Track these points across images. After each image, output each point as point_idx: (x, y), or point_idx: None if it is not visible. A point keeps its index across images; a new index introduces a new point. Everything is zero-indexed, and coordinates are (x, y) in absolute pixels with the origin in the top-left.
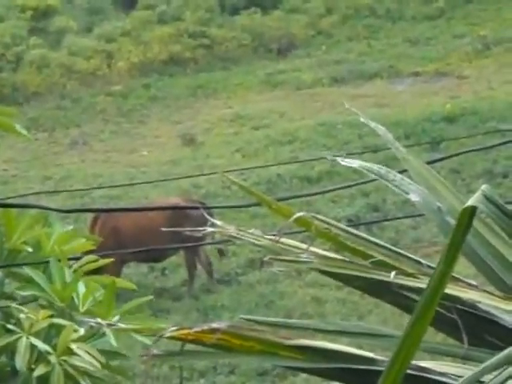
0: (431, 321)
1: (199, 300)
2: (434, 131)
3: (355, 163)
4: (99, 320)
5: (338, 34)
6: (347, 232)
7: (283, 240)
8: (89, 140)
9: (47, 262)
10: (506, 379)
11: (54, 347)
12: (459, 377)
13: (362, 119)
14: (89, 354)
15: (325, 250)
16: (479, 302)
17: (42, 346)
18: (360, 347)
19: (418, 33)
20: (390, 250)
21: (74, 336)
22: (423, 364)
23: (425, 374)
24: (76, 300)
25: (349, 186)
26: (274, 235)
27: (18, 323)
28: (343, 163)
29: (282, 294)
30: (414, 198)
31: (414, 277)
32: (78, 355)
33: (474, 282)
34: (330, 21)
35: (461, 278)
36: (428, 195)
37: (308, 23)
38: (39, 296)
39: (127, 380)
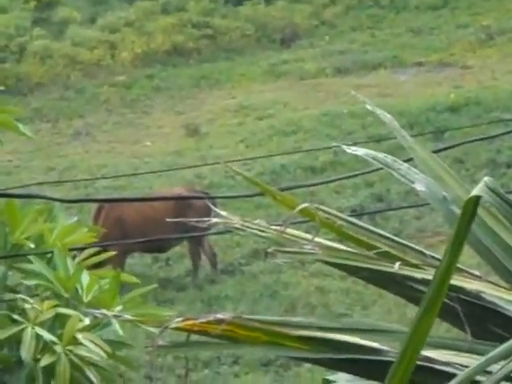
0: None
1: (203, 290)
2: (438, 121)
3: (361, 151)
4: (105, 311)
5: (341, 24)
6: (351, 223)
7: (288, 230)
8: (92, 131)
9: (51, 252)
10: None
11: (60, 337)
12: (464, 366)
13: (368, 107)
14: (94, 343)
15: (329, 240)
16: (483, 293)
17: (47, 335)
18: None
19: (421, 23)
20: (393, 240)
21: (80, 326)
22: (428, 354)
23: (430, 364)
24: (80, 290)
25: (353, 176)
26: (278, 225)
27: (23, 314)
28: (349, 151)
29: (285, 284)
30: (419, 187)
31: (418, 267)
32: (83, 345)
33: (477, 273)
34: (334, 11)
35: (465, 268)
36: (433, 184)
37: (311, 13)
38: (44, 286)
39: (132, 370)
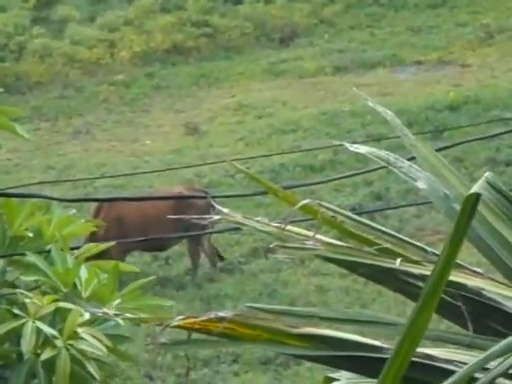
0: (436, 308)
1: (202, 289)
2: (437, 120)
3: (363, 149)
4: (106, 310)
5: (340, 23)
6: (352, 219)
7: (289, 227)
8: (92, 129)
9: (48, 252)
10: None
11: (60, 332)
12: (464, 363)
13: (370, 104)
14: (95, 338)
15: (330, 237)
16: (484, 289)
17: (48, 330)
18: (363, 336)
19: (420, 21)
20: (394, 237)
21: (80, 320)
22: (427, 351)
23: (429, 362)
24: (78, 285)
25: (352, 175)
26: (279, 223)
27: (24, 308)
28: (351, 149)
29: (285, 282)
30: (421, 185)
31: (420, 264)
32: (84, 339)
33: (478, 270)
34: (333, 9)
35: (465, 265)
36: (435, 182)
37: (311, 12)
38: (42, 281)
39: (132, 364)
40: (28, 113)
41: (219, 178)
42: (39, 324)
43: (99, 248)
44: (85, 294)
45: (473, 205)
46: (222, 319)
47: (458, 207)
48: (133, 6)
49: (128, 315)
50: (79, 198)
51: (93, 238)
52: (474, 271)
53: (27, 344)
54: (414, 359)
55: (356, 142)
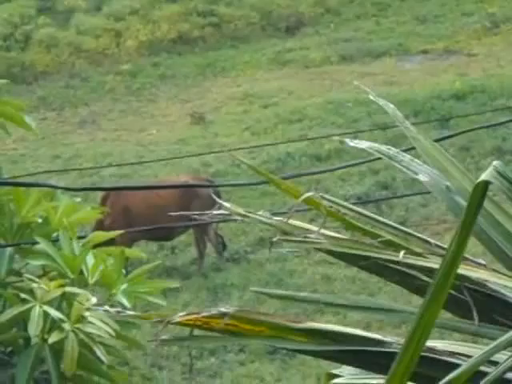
0: None
1: (208, 278)
2: (443, 109)
3: (364, 144)
4: (107, 307)
5: (346, 12)
6: (355, 211)
7: (290, 221)
8: (98, 119)
9: (56, 240)
10: None
11: (68, 316)
12: (467, 356)
13: (371, 97)
14: (102, 321)
15: (333, 229)
16: (488, 281)
17: (55, 314)
18: (369, 325)
19: (426, 10)
20: (398, 229)
21: (87, 304)
22: (430, 344)
23: (432, 355)
24: (85, 272)
25: (358, 164)
26: (283, 214)
27: (31, 293)
28: (352, 144)
29: (291, 272)
30: (422, 177)
31: (423, 256)
32: (91, 323)
33: (482, 261)
34: None
35: (469, 257)
36: (437, 174)
37: (316, 1)
38: (50, 266)
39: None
40: (34, 103)
41: (225, 168)
42: (46, 308)
43: (106, 236)
44: (91, 280)
45: (482, 193)
46: (224, 315)
47: (460, 200)
48: None
49: (129, 312)
50: (85, 188)
51: (99, 227)
52: (478, 263)
53: (34, 328)
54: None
55: (361, 131)
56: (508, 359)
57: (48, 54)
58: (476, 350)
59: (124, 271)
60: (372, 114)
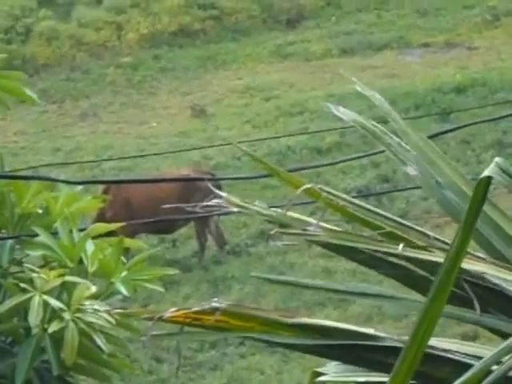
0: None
1: (209, 271)
2: (444, 102)
3: (348, 116)
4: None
5: (347, 5)
6: (354, 204)
7: (289, 213)
8: (99, 112)
9: (57, 233)
10: None
11: (68, 305)
12: (465, 354)
13: (357, 87)
14: (103, 310)
15: (333, 223)
16: (487, 274)
17: (55, 303)
18: (370, 318)
19: (427, 3)
20: (397, 222)
21: (87, 293)
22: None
23: (430, 351)
24: (85, 260)
25: (359, 157)
26: (282, 207)
27: (31, 283)
28: (335, 112)
29: (291, 265)
30: (411, 171)
31: (422, 249)
32: (91, 312)
33: (481, 255)
34: None
35: (468, 250)
36: (426, 168)
37: None
38: (48, 256)
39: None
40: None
41: (226, 161)
42: (46, 298)
43: (106, 228)
44: (91, 269)
45: (485, 188)
46: (215, 310)
47: (450, 195)
48: None
49: (118, 310)
50: (86, 181)
51: (100, 220)
52: (477, 256)
53: (34, 317)
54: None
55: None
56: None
57: (49, 47)
58: (478, 350)
59: (124, 259)
60: (373, 106)
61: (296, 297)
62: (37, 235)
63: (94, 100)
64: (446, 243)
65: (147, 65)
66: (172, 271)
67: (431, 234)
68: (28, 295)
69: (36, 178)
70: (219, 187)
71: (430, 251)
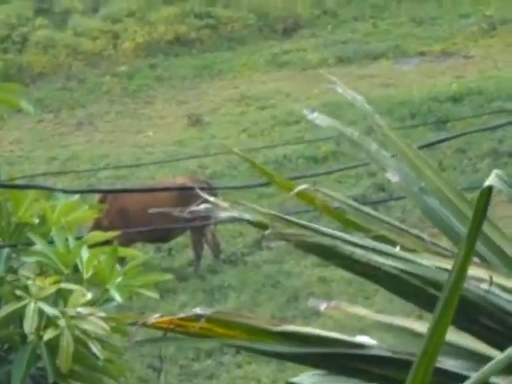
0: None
1: (205, 280)
2: (440, 111)
3: (325, 122)
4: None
5: (343, 14)
6: (350, 206)
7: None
8: (95, 121)
9: (53, 241)
10: None
11: (63, 312)
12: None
13: (339, 89)
14: (98, 317)
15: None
16: (483, 280)
17: (50, 310)
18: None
19: (423, 12)
20: (393, 225)
21: (82, 300)
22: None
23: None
24: (80, 266)
25: (355, 167)
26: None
27: (26, 290)
28: (311, 117)
29: (288, 274)
30: (392, 178)
31: (418, 252)
32: (87, 319)
33: (476, 260)
34: (336, 0)
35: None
36: (408, 174)
37: (313, 3)
38: (43, 262)
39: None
40: (31, 104)
41: (222, 169)
42: (41, 305)
43: (103, 237)
44: (86, 275)
45: (487, 198)
46: (199, 317)
47: (434, 201)
48: None
49: (102, 314)
50: (82, 190)
51: (96, 228)
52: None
53: (30, 325)
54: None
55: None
56: (492, 363)
57: (45, 56)
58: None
59: (118, 267)
60: (369, 116)
61: (292, 306)
62: (33, 244)
63: (90, 109)
64: (443, 248)
65: (143, 74)
66: (167, 277)
67: (427, 238)
68: (23, 302)
69: (32, 187)
70: (215, 196)
71: (426, 255)
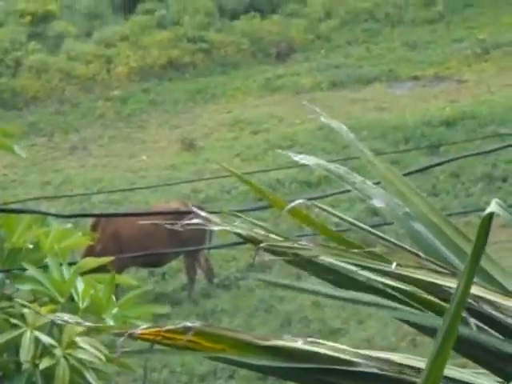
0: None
1: (199, 305)
2: (434, 135)
3: (311, 161)
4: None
5: (336, 39)
6: (346, 221)
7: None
8: (88, 145)
9: (47, 267)
10: None
11: (59, 341)
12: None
13: (322, 119)
14: (93, 347)
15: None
16: (481, 298)
17: (46, 339)
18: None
19: (416, 37)
20: (389, 241)
21: (78, 330)
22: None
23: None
24: (75, 296)
25: (347, 191)
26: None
27: (22, 318)
28: (296, 159)
29: (281, 298)
30: (377, 203)
31: (414, 268)
32: (82, 348)
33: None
34: (329, 25)
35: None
36: (393, 201)
37: (307, 27)
38: (39, 291)
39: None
40: (24, 128)
41: (215, 194)
42: (38, 334)
43: (96, 263)
44: (82, 305)
45: (489, 223)
46: (188, 329)
47: (420, 227)
48: (129, 22)
49: (87, 323)
50: (76, 214)
51: (90, 253)
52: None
53: (26, 354)
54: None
55: (351, 158)
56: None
57: (38, 80)
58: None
59: (114, 298)
60: (362, 140)
61: (286, 329)
62: (26, 269)
63: (84, 133)
64: (438, 264)
65: (137, 98)
66: (163, 309)
67: (423, 255)
68: (19, 331)
69: (26, 211)
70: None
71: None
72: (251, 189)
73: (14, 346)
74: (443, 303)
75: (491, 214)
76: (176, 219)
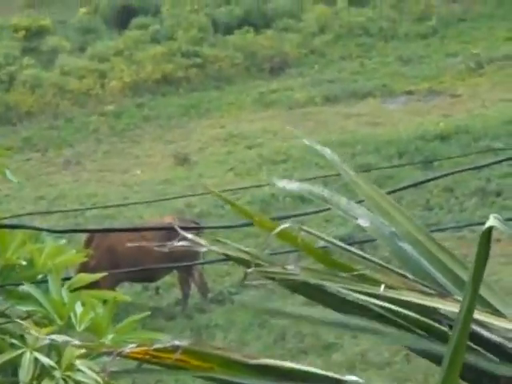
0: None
1: (193, 319)
2: (427, 150)
3: (295, 186)
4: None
5: (330, 53)
6: (335, 245)
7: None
8: (82, 160)
9: (40, 282)
10: None
11: (58, 363)
12: None
13: (305, 141)
14: (92, 370)
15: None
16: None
17: (46, 360)
18: (353, 366)
19: (410, 51)
20: (377, 263)
21: (77, 352)
22: None
23: None
24: (73, 318)
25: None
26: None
27: (21, 339)
28: (280, 185)
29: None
30: (363, 223)
31: (402, 289)
32: (81, 371)
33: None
34: (323, 40)
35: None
36: (379, 220)
37: (300, 42)
38: (37, 311)
39: None
40: (18, 143)
41: (209, 209)
42: (37, 355)
43: (91, 278)
44: (80, 328)
45: (489, 237)
46: (175, 348)
47: (406, 246)
48: (123, 37)
49: (76, 342)
50: (70, 229)
51: (83, 268)
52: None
53: (25, 375)
54: None
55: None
56: None
57: (32, 95)
58: None
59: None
60: (356, 154)
61: (279, 345)
62: (21, 284)
63: (78, 148)
64: (425, 285)
65: (130, 113)
66: (161, 336)
67: (411, 276)
68: (19, 351)
69: (19, 226)
70: (201, 235)
71: (410, 293)
72: (237, 211)
73: (11, 366)
74: (432, 323)
75: (490, 228)
76: (170, 234)
